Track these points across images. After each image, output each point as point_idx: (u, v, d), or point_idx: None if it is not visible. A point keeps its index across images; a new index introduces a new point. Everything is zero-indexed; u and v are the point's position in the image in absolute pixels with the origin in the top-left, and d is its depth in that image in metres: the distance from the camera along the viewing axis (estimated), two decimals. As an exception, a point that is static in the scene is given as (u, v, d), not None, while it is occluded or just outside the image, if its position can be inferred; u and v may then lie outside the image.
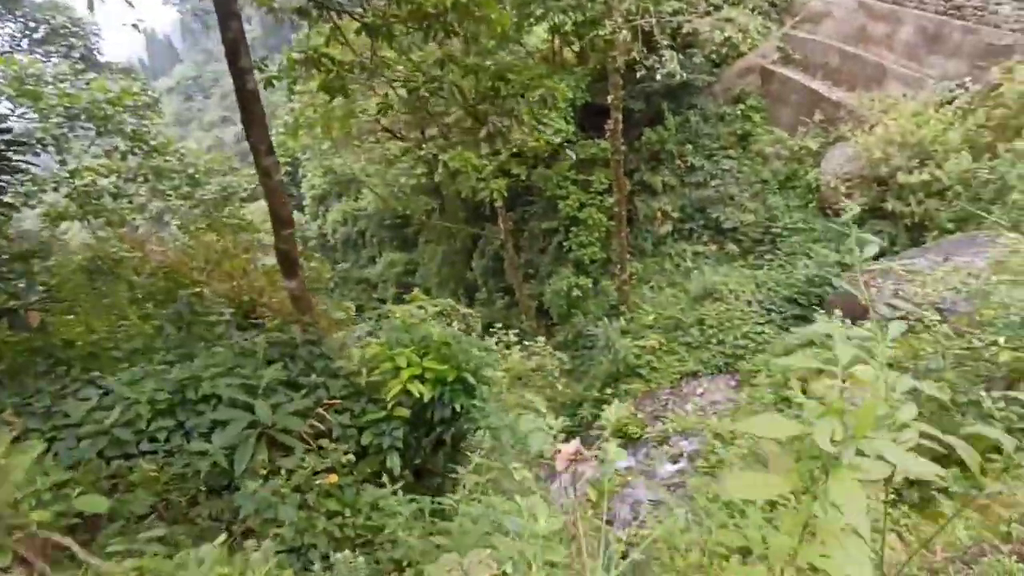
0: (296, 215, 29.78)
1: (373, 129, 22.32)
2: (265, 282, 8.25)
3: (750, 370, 12.79)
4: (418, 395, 4.83)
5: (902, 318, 7.71)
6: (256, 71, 6.18)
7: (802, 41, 16.98)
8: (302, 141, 20.46)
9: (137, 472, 4.00)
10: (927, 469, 1.19)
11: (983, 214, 10.59)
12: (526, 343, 9.17)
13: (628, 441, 13.35)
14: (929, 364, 5.08)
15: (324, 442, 4.55)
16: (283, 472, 3.99)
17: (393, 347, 5.21)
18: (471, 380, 5.06)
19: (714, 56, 17.64)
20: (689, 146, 17.20)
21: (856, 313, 10.83)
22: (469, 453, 5.48)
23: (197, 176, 15.91)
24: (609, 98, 15.36)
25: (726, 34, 15.82)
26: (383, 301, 25.32)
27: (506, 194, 14.13)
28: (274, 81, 7.62)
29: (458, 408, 5.03)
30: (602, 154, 16.85)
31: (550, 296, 17.34)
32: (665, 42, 15.62)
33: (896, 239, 12.48)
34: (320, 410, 4.82)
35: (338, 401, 4.98)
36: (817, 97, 15.82)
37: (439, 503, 4.27)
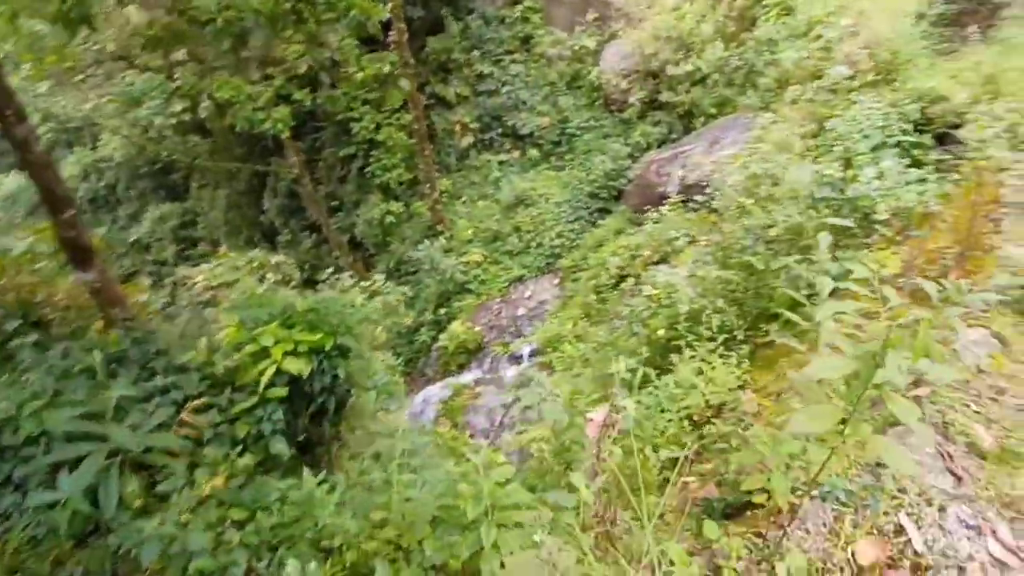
0: (14, 174, 23.94)
1: (101, 59, 18.33)
2: (29, 273, 6.64)
3: (569, 266, 13.80)
4: (296, 372, 4.41)
5: (692, 200, 8.75)
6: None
7: (564, -62, 17.24)
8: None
9: (-32, 552, 3.17)
10: (947, 375, 1.41)
11: (738, 98, 12.24)
12: (363, 284, 8.79)
13: (470, 355, 13.87)
14: (744, 241, 5.87)
15: (198, 449, 4.03)
16: (174, 498, 3.45)
17: (250, 326, 4.62)
18: (349, 343, 4.74)
19: (486, -45, 17.23)
20: (476, 53, 16.96)
21: (652, 200, 12.08)
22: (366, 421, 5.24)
23: None
24: (388, 5, 14.35)
25: (496, -68, 15.42)
26: (162, 263, 22.09)
27: (292, 123, 12.80)
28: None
29: (340, 375, 4.71)
30: (390, 68, 15.91)
31: (362, 227, 16.60)
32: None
33: (673, 127, 13.97)
34: (183, 416, 4.19)
35: (201, 400, 4.35)
36: (587, -5, 16.45)
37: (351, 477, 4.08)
